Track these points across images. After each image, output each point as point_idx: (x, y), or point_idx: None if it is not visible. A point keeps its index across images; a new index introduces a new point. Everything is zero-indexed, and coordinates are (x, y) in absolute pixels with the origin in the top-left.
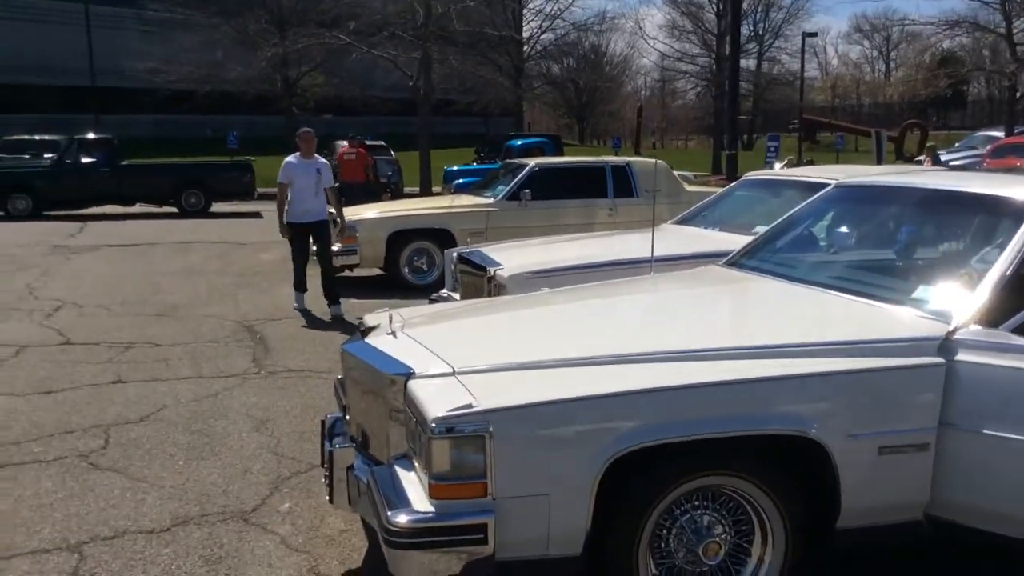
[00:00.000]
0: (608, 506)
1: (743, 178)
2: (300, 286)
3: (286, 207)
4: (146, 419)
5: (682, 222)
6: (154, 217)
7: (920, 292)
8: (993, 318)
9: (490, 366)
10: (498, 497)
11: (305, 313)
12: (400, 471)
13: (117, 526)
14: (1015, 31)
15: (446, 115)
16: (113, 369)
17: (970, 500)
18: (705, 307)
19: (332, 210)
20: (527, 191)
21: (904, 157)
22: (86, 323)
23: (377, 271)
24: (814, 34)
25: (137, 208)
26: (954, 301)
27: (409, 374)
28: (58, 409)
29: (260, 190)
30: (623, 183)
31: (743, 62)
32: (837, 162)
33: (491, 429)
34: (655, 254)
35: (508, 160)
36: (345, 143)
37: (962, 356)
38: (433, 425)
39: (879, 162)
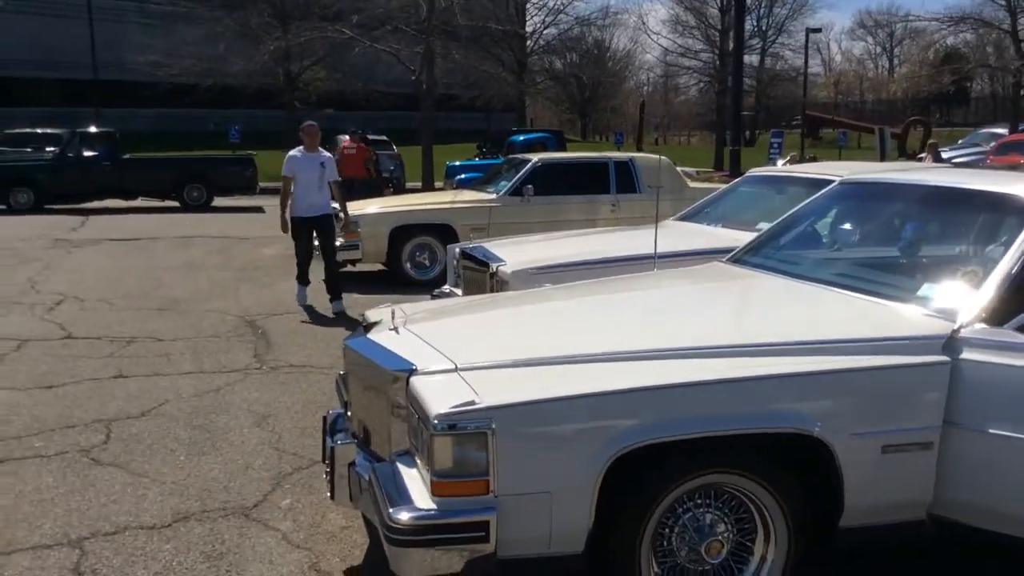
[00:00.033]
0: (611, 504)
1: (746, 174)
2: (303, 279)
3: (290, 201)
4: (147, 414)
5: (685, 218)
6: (156, 211)
7: (925, 290)
8: (998, 316)
9: (493, 363)
10: (500, 494)
11: (307, 308)
12: (402, 468)
13: (118, 522)
14: (1020, 27)
15: (448, 110)
16: (114, 364)
17: (974, 499)
18: (708, 304)
19: (336, 204)
20: (530, 187)
21: (907, 154)
22: (88, 317)
23: (379, 266)
24: (818, 30)
25: (139, 202)
26: (959, 299)
27: (411, 370)
28: (59, 404)
29: (262, 184)
30: (626, 179)
31: (746, 58)
32: (840, 159)
33: (494, 426)
34: (658, 250)
35: (511, 155)
36: (346, 137)
37: (967, 355)
38: (435, 422)
39: (882, 159)
